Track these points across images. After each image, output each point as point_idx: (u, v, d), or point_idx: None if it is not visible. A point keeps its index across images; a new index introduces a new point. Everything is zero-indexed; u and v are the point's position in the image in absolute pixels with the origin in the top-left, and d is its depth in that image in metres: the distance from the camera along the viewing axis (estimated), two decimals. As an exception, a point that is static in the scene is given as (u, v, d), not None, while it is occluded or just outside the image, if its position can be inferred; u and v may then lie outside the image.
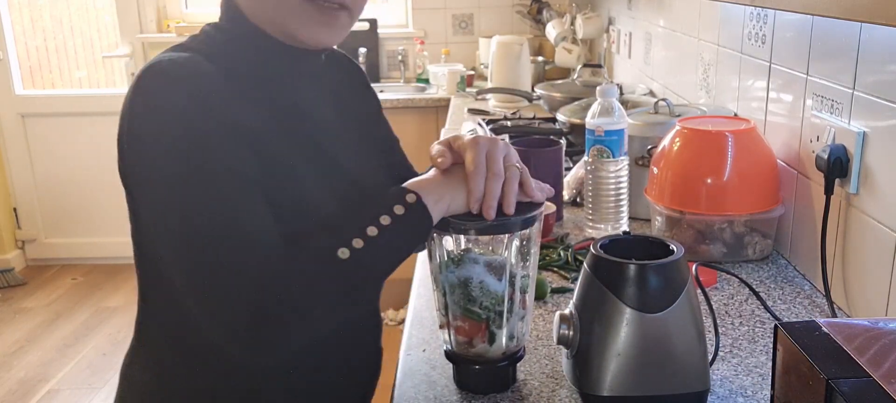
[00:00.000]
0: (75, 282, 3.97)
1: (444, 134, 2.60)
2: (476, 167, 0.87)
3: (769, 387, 0.79)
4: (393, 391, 1.01)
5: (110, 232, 4.08)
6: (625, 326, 0.89)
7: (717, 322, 1.09)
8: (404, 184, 0.88)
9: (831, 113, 1.19)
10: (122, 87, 4.07)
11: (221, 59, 0.88)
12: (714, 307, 1.21)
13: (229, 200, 0.81)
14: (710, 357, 0.96)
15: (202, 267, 0.79)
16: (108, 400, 2.89)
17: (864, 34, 1.09)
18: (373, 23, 3.92)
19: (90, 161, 4.02)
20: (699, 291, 1.08)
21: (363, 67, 4.21)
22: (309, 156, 0.93)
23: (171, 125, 0.80)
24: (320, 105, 0.99)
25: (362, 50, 3.84)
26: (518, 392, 0.98)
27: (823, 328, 0.73)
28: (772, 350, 0.77)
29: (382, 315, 1.14)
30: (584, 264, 0.94)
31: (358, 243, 0.81)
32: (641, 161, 1.55)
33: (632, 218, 1.50)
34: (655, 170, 1.43)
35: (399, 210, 0.85)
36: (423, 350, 1.09)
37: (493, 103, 3.02)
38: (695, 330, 0.90)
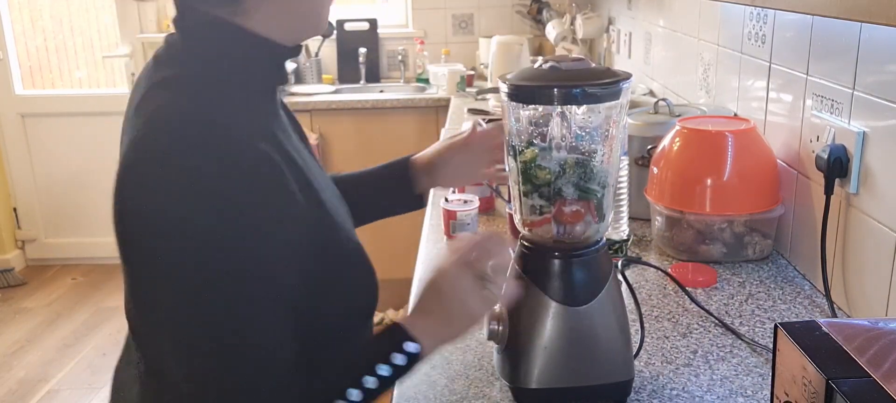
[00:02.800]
0: (75, 282, 3.97)
1: (444, 134, 2.60)
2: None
3: (769, 387, 0.79)
4: (392, 390, 1.00)
5: (110, 232, 3.95)
6: (550, 320, 0.91)
7: (643, 314, 1.11)
8: (406, 325, 0.85)
9: (831, 113, 1.19)
10: (123, 87, 4.06)
11: (214, 80, 0.82)
12: (712, 309, 1.21)
13: (248, 312, 0.77)
14: (635, 349, 0.99)
15: (208, 377, 0.77)
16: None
17: (864, 34, 1.09)
18: (373, 23, 3.91)
19: (90, 161, 4.01)
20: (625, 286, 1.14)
21: (362, 68, 4.16)
22: (315, 174, 0.89)
23: (189, 222, 0.75)
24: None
25: (362, 50, 3.83)
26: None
27: (823, 328, 0.73)
28: (772, 350, 0.77)
29: (382, 314, 1.13)
30: (512, 261, 0.96)
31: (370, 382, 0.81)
32: (641, 161, 1.55)
33: (632, 218, 1.50)
34: (655, 170, 1.43)
35: (399, 360, 0.83)
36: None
37: (492, 103, 3.02)
38: (616, 322, 0.93)
